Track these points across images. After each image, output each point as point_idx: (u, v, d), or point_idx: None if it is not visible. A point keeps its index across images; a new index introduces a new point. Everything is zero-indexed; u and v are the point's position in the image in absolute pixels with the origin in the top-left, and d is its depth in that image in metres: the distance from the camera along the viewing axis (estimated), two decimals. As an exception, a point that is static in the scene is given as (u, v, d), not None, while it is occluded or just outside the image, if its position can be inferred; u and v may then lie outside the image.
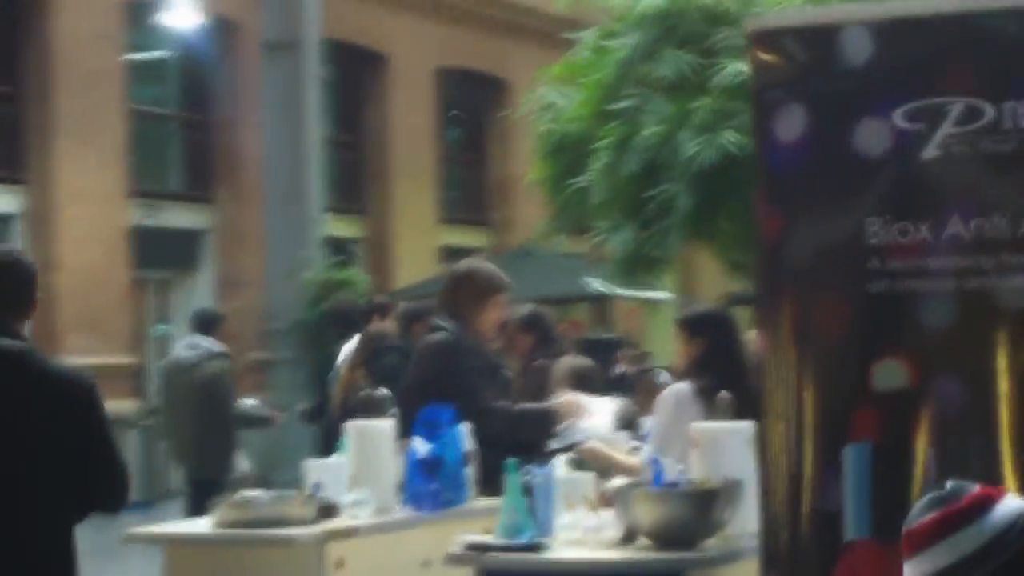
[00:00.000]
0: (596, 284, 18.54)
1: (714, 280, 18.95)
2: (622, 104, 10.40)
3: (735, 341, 5.58)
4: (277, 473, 14.71)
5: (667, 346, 23.61)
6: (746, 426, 4.23)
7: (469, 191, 25.65)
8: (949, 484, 2.12)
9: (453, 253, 22.89)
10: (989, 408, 3.43)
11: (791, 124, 3.73)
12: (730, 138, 9.69)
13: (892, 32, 3.66)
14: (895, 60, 3.61)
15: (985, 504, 2.03)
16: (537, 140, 11.66)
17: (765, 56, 3.79)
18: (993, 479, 3.40)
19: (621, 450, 5.53)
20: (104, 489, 4.03)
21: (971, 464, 3.40)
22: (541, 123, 11.56)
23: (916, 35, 3.65)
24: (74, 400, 3.66)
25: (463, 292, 5.99)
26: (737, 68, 9.55)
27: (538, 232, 16.81)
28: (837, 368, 3.61)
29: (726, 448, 4.15)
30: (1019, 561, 1.98)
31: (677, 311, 23.14)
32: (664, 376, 11.75)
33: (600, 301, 21.41)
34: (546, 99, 11.56)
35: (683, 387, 5.24)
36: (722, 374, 5.14)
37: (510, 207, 23.95)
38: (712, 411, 4.83)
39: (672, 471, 3.97)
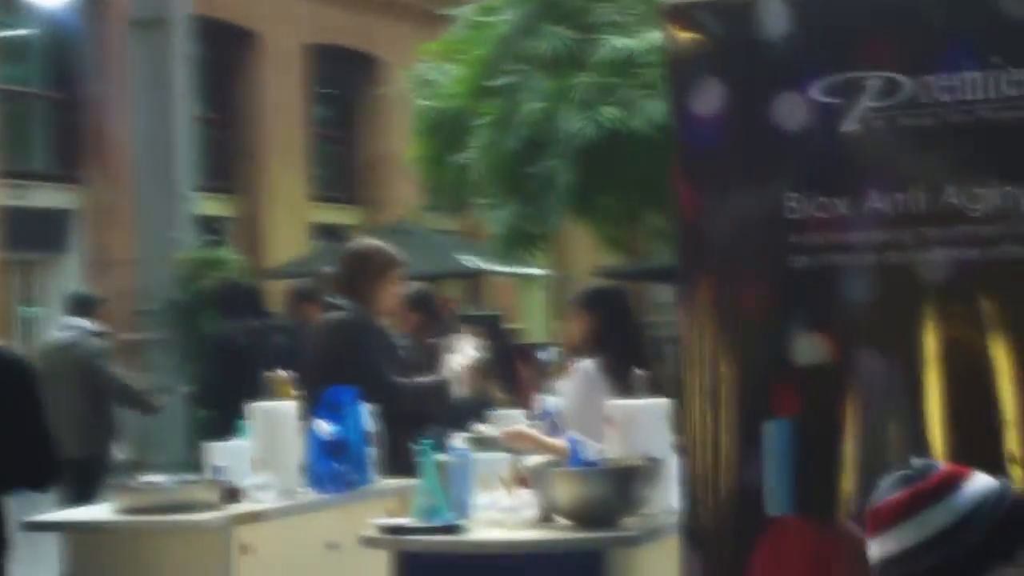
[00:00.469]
0: (469, 260, 18.39)
1: (586, 255, 19.77)
2: (501, 81, 10.47)
3: (629, 316, 5.59)
4: (153, 456, 15.13)
5: (539, 321, 24.13)
6: (662, 403, 4.18)
7: (340, 169, 25.27)
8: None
9: (325, 231, 23.58)
10: (912, 382, 3.39)
11: (708, 99, 3.66)
12: (610, 114, 9.74)
13: (810, 5, 3.64)
14: (813, 34, 3.55)
15: (954, 482, 1.99)
16: (414, 118, 11.58)
17: (680, 30, 3.72)
18: (918, 453, 3.39)
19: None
20: (36, 466, 4.02)
21: (895, 438, 3.42)
22: (418, 100, 11.48)
23: (834, 8, 3.62)
24: (10, 378, 3.73)
25: (361, 270, 5.88)
26: (617, 44, 9.82)
27: (413, 209, 17.36)
28: (757, 344, 3.56)
29: (642, 426, 4.09)
30: (988, 539, 1.95)
31: (549, 286, 23.67)
32: (552, 353, 11.82)
33: (473, 277, 21.42)
34: (423, 76, 11.53)
35: (589, 364, 5.20)
36: (619, 349, 5.16)
37: (382, 185, 23.68)
38: (618, 387, 4.83)
39: (591, 450, 3.90)
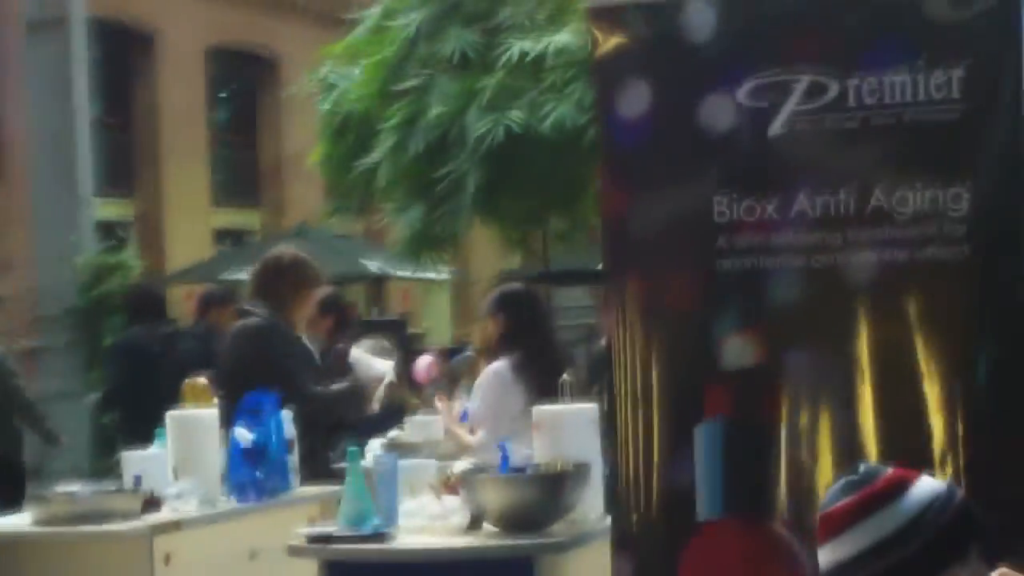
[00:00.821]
0: (372, 264, 18.14)
1: (488, 258, 19.65)
2: (407, 83, 10.25)
3: (539, 316, 5.62)
4: (54, 462, 14.13)
5: (443, 324, 23.92)
6: (590, 407, 4.13)
7: (241, 172, 24.56)
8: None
9: (226, 234, 23.04)
10: (842, 382, 3.36)
11: (634, 100, 3.60)
12: (517, 117, 9.57)
13: (735, 7, 3.58)
14: (738, 36, 3.51)
15: (901, 485, 1.97)
16: (319, 121, 11.38)
17: (605, 31, 3.64)
18: (851, 452, 3.39)
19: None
20: None
21: (827, 439, 3.37)
22: (323, 103, 11.25)
23: (759, 11, 3.59)
24: None
25: (286, 279, 5.74)
26: (524, 46, 9.58)
27: (317, 213, 16.84)
28: (686, 346, 3.51)
29: (570, 429, 4.03)
30: (939, 540, 1.93)
31: (453, 290, 23.45)
32: (463, 356, 11.78)
33: (376, 282, 21.14)
34: (327, 79, 11.29)
35: (502, 365, 5.25)
36: (531, 350, 5.23)
37: (283, 188, 23.13)
38: (531, 387, 4.93)
39: (518, 455, 3.84)
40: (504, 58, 9.82)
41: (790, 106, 3.47)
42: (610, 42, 3.67)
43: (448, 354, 13.93)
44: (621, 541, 3.57)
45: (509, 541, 3.62)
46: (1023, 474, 3.14)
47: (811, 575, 3.45)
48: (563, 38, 9.51)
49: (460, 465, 4.07)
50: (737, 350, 3.50)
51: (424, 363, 7.80)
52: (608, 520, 3.84)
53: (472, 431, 5.59)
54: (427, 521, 3.79)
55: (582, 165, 9.37)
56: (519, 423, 4.91)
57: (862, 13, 3.41)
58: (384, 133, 10.33)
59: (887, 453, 3.19)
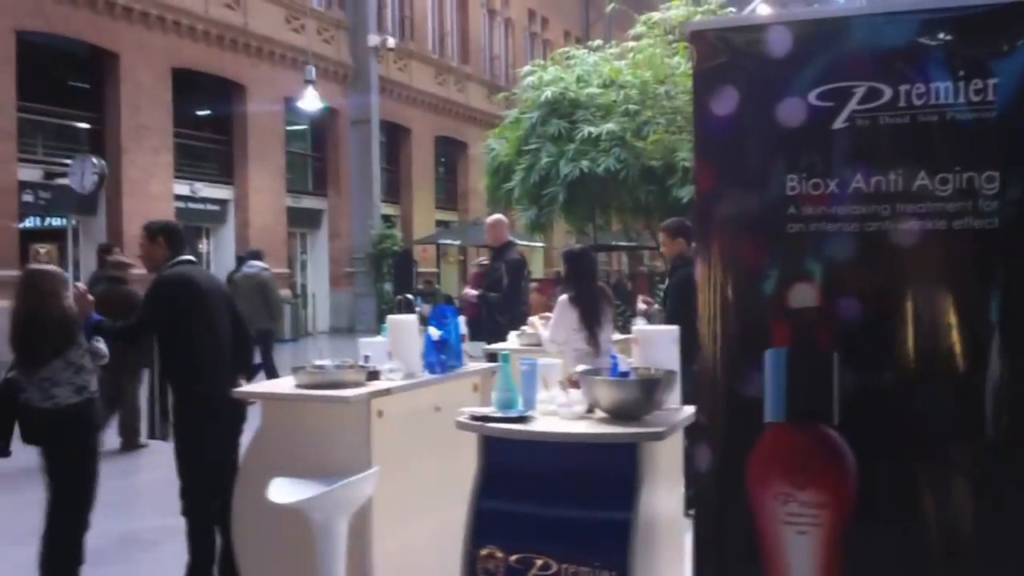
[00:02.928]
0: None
1: (562, 238, 23.71)
2: (530, 147, 12.72)
3: (587, 267, 5.65)
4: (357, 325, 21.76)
5: (538, 269, 26.37)
6: (673, 329, 3.71)
7: (450, 192, 29.62)
8: None
9: (442, 223, 28.19)
10: (882, 322, 2.80)
11: (725, 102, 3.00)
12: (584, 165, 11.93)
13: (807, 30, 2.95)
14: (810, 52, 2.88)
15: None
16: (485, 166, 14.10)
17: (703, 49, 3.06)
18: (891, 375, 2.94)
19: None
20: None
21: (868, 363, 2.86)
22: (488, 156, 13.96)
23: (826, 33, 3.08)
24: None
25: None
26: (589, 129, 12.07)
27: (482, 213, 20.92)
28: (760, 290, 2.93)
29: (658, 345, 3.59)
30: None
31: (545, 252, 26.00)
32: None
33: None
34: (490, 144, 14.13)
35: (564, 296, 5.49)
36: (579, 287, 5.54)
37: (468, 199, 28.04)
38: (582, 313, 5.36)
39: (624, 364, 3.43)
40: (579, 135, 12.18)
41: (851, 106, 2.96)
42: (706, 57, 3.21)
43: (544, 284, 16.49)
44: (701, 433, 3.04)
45: (619, 428, 3.04)
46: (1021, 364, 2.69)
47: (855, 470, 3.07)
48: (608, 125, 11.98)
49: (580, 367, 3.67)
50: (800, 294, 3.02)
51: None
52: (684, 414, 3.41)
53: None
54: (556, 408, 3.40)
55: (616, 191, 12.28)
56: (574, 333, 5.42)
57: (912, 33, 2.91)
58: (517, 172, 12.85)
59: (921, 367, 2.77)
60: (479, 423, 3.19)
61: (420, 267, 24.63)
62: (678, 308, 5.76)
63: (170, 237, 4.65)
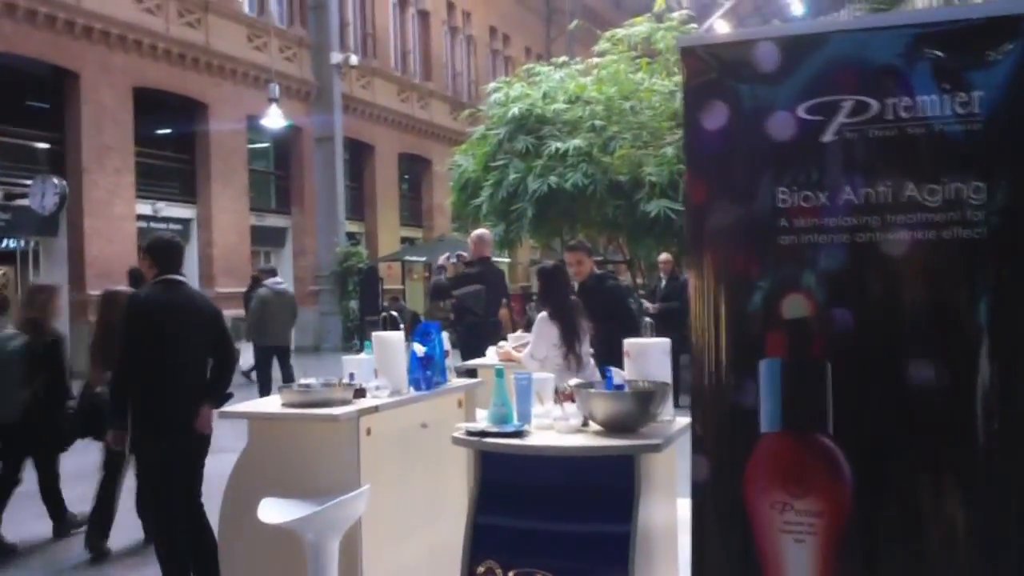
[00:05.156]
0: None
1: (527, 253, 24.58)
2: (498, 163, 12.83)
3: (561, 283, 5.63)
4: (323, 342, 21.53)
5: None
6: (664, 341, 3.74)
7: (414, 210, 28.19)
8: None
9: (407, 239, 27.70)
10: (872, 330, 2.85)
11: (715, 117, 3.03)
12: (552, 181, 11.97)
13: (794, 45, 2.99)
14: (798, 67, 2.92)
15: None
16: (452, 182, 14.26)
17: (692, 65, 3.10)
18: (884, 383, 2.98)
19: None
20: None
21: (860, 371, 2.88)
22: (454, 174, 14.02)
23: (814, 48, 3.12)
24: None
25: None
26: (556, 144, 12.19)
27: (447, 229, 24.18)
28: (752, 302, 2.96)
29: (651, 357, 3.63)
30: None
31: (509, 268, 26.23)
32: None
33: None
34: (456, 161, 14.17)
35: (543, 313, 5.43)
36: (555, 303, 5.47)
37: (433, 217, 27.24)
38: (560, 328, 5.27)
39: (618, 376, 3.44)
40: (547, 151, 12.23)
41: (839, 119, 3.01)
42: (697, 72, 3.24)
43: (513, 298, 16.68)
44: (698, 444, 3.07)
45: (617, 441, 3.05)
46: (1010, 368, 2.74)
47: (851, 478, 3.10)
48: (575, 141, 12.02)
49: (574, 381, 3.67)
50: (793, 305, 3.06)
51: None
52: (679, 425, 3.41)
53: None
54: (552, 422, 3.38)
55: (585, 206, 12.24)
56: (554, 349, 5.34)
57: (898, 49, 2.96)
58: (485, 188, 12.90)
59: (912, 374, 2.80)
60: (476, 438, 3.17)
61: (385, 284, 24.51)
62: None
63: (153, 254, 4.60)
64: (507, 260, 23.49)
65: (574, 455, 3.06)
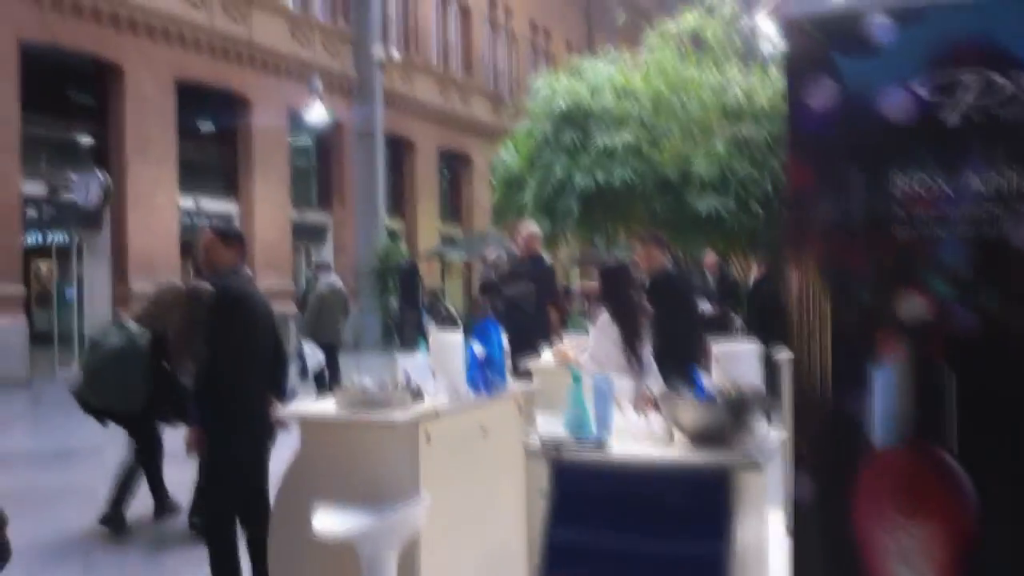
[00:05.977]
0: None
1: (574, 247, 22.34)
2: (543, 158, 12.66)
3: (625, 283, 5.28)
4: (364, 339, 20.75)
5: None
6: (755, 346, 3.44)
7: (454, 206, 27.61)
8: None
9: (447, 236, 27.61)
10: (1000, 333, 2.54)
11: (822, 95, 2.74)
12: (599, 177, 11.79)
13: (913, 17, 2.68)
14: (917, 40, 2.63)
15: None
16: (495, 177, 14.13)
17: (798, 38, 2.80)
18: (1013, 393, 2.66)
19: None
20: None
21: (986, 381, 2.58)
22: (497, 169, 13.96)
23: (937, 19, 2.85)
24: None
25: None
26: (603, 140, 11.92)
27: (486, 225, 23.58)
28: (865, 301, 2.66)
29: (741, 362, 3.34)
30: None
31: (562, 262, 25.81)
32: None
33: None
34: (501, 156, 13.95)
35: (604, 314, 5.16)
36: (618, 304, 5.19)
37: (472, 214, 25.61)
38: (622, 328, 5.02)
39: (708, 383, 3.14)
40: (593, 146, 12.00)
41: (965, 99, 2.73)
42: (800, 46, 2.95)
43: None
44: (800, 460, 2.75)
45: (712, 457, 2.75)
46: None
47: (975, 501, 2.79)
48: (625, 136, 11.75)
49: (655, 387, 3.37)
50: (910, 305, 2.77)
51: None
52: (776, 438, 3.11)
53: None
54: (634, 432, 3.11)
55: (631, 203, 12.04)
56: (615, 351, 5.07)
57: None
58: (529, 183, 12.78)
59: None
60: (551, 449, 2.89)
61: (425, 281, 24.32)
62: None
63: (238, 242, 4.43)
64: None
65: (665, 471, 2.76)
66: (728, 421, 2.90)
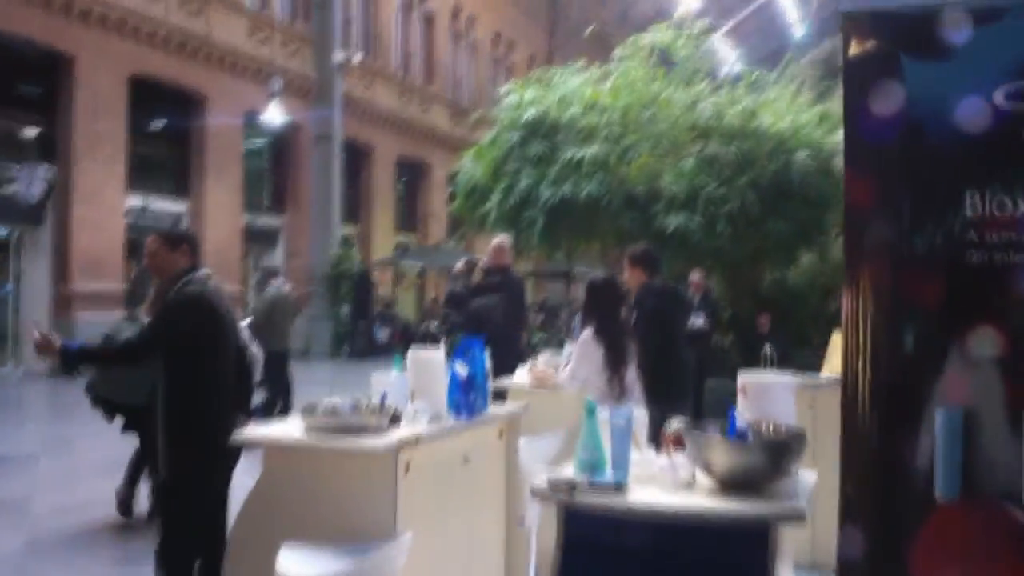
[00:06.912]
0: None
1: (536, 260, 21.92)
2: (508, 169, 12.08)
3: (611, 300, 5.05)
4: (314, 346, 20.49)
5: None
6: (789, 378, 3.10)
7: (410, 215, 27.90)
8: None
9: (402, 245, 27.03)
10: None
11: (886, 99, 2.42)
12: (565, 190, 11.28)
13: (992, 16, 2.38)
14: (995, 42, 2.33)
15: None
16: (458, 188, 13.10)
17: (859, 35, 2.49)
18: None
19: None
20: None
21: None
22: (461, 178, 13.03)
23: (1017, 19, 2.55)
24: None
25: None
26: (570, 153, 11.42)
27: (442, 237, 24.65)
28: (929, 333, 2.34)
29: (775, 396, 2.99)
30: None
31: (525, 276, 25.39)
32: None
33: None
34: (464, 164, 13.15)
35: (587, 331, 4.98)
36: (602, 321, 4.95)
37: (428, 224, 26.16)
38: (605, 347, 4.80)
39: (741, 421, 2.78)
40: (561, 159, 11.51)
41: (1049, 110, 2.42)
42: (864, 45, 2.62)
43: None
44: (850, 511, 2.41)
45: (751, 505, 2.40)
46: None
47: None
48: (592, 149, 11.35)
49: (677, 423, 2.99)
50: (982, 341, 2.44)
51: None
52: (810, 482, 2.72)
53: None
54: (655, 473, 2.74)
55: (598, 218, 11.51)
56: (597, 371, 4.87)
57: None
58: (494, 195, 12.11)
59: None
60: (562, 491, 2.50)
61: (378, 290, 23.80)
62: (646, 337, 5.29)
63: (195, 243, 3.97)
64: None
65: (696, 521, 2.38)
66: (765, 465, 2.53)
